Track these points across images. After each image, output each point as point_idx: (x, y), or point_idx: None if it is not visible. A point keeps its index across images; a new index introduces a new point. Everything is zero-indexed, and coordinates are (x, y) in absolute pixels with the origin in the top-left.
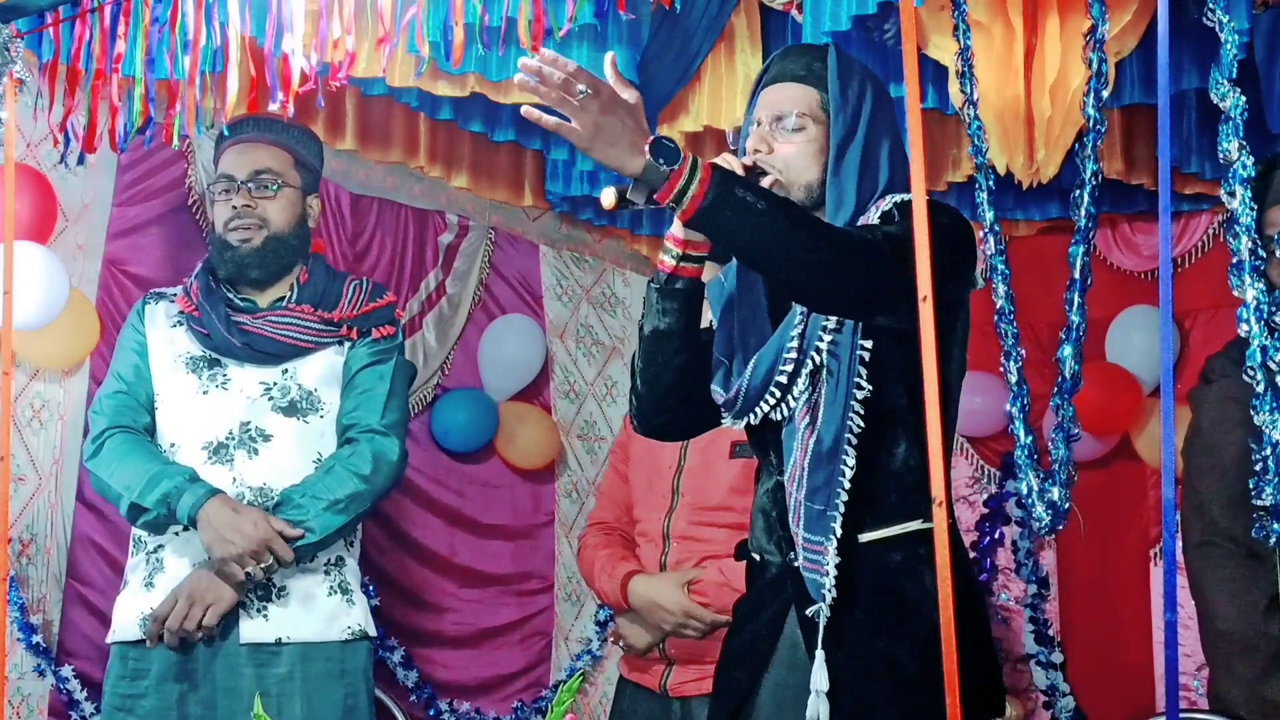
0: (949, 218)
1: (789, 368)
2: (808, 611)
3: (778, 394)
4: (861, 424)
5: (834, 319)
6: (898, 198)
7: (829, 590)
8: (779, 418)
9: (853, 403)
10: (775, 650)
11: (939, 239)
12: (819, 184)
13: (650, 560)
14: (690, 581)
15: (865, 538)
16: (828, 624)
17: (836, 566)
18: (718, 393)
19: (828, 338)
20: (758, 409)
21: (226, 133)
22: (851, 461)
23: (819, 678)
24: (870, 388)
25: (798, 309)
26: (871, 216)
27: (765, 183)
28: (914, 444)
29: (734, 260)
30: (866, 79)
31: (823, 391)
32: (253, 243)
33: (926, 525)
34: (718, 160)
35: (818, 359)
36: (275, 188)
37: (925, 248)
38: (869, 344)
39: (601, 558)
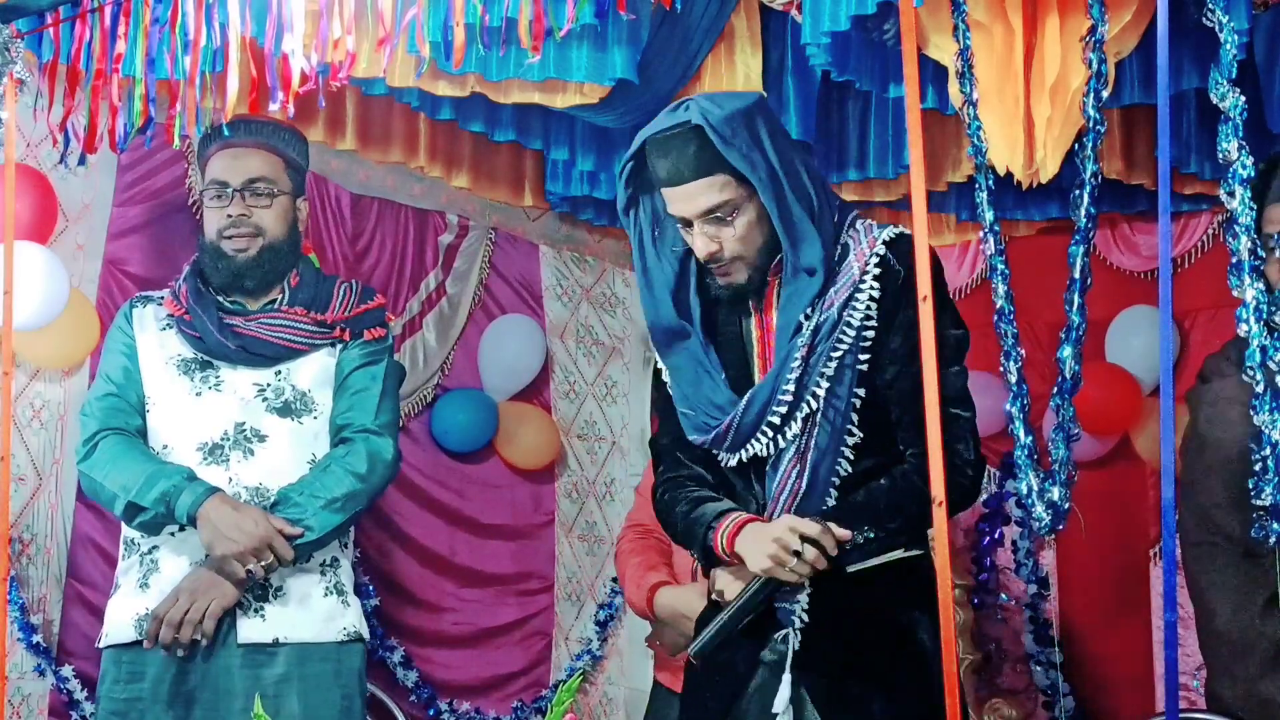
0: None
1: (783, 409)
2: (776, 636)
3: (770, 433)
4: (850, 468)
5: (833, 366)
6: (886, 235)
7: (799, 616)
8: (767, 455)
9: (843, 448)
10: (759, 664)
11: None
12: (772, 238)
13: (683, 566)
14: None
15: (852, 569)
16: (821, 649)
17: (822, 595)
18: (696, 438)
19: (825, 384)
20: (750, 445)
21: (218, 134)
22: (833, 504)
23: (780, 700)
24: (861, 434)
25: (795, 349)
26: (864, 254)
27: (726, 270)
28: (896, 481)
29: (673, 328)
30: (739, 122)
31: (815, 435)
32: (249, 252)
33: (909, 554)
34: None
35: (814, 404)
36: (270, 196)
37: (925, 248)
38: (862, 392)
39: (632, 566)
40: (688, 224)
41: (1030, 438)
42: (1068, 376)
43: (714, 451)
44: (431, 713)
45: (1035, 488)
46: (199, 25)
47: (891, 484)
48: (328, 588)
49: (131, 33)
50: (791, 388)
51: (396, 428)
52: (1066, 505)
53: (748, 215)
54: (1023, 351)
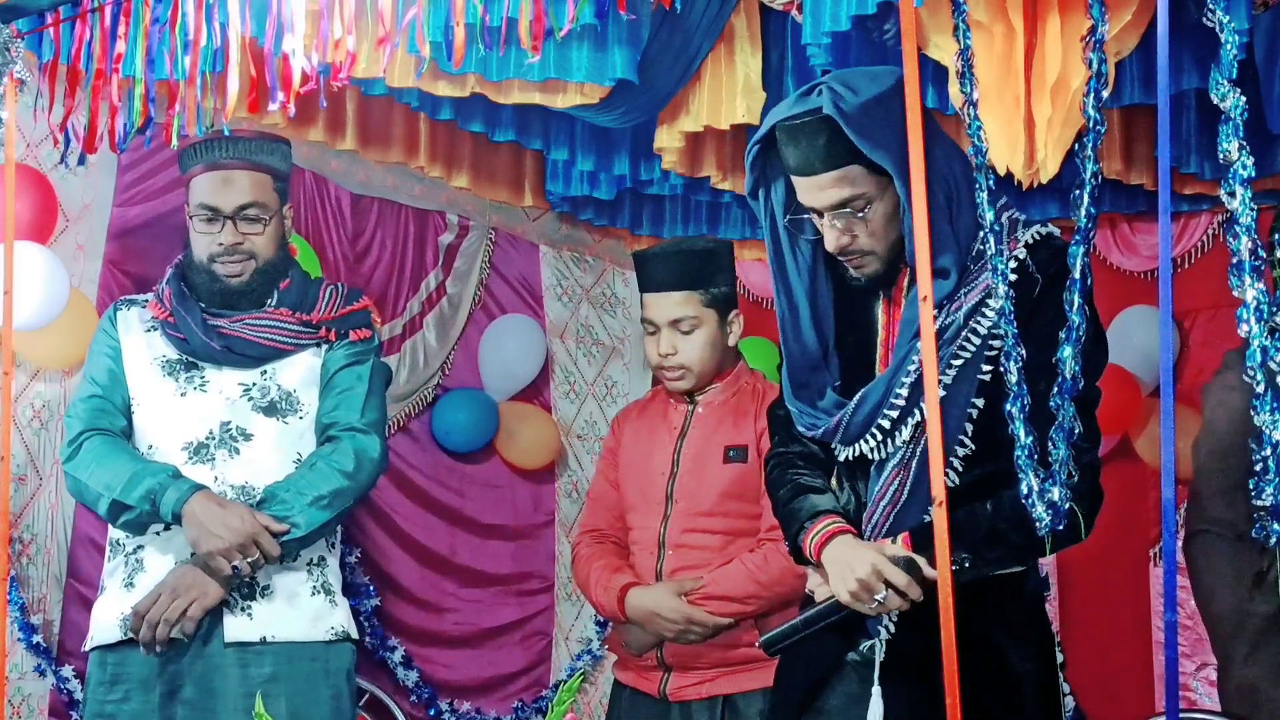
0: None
1: (894, 414)
2: (862, 647)
3: (879, 435)
4: (956, 480)
5: (952, 374)
6: (1029, 238)
7: (885, 627)
8: (876, 457)
9: (953, 459)
10: (842, 670)
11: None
12: (900, 238)
13: (646, 569)
14: (686, 592)
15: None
16: (905, 663)
17: (911, 609)
18: (805, 432)
19: (942, 392)
20: (859, 445)
21: (202, 151)
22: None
23: (874, 712)
24: (974, 446)
25: (915, 351)
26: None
27: (859, 263)
28: (1003, 506)
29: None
30: (875, 109)
31: (924, 442)
32: (242, 277)
33: (1013, 570)
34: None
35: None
36: (263, 221)
37: (925, 247)
38: (981, 403)
39: (596, 569)
40: (818, 214)
41: (1030, 438)
42: (1068, 376)
43: (826, 442)
44: (432, 713)
45: (1035, 488)
46: (199, 25)
47: (996, 508)
48: (315, 586)
49: (131, 33)
50: (905, 392)
51: (383, 426)
52: (1066, 505)
53: (883, 208)
54: (1023, 351)
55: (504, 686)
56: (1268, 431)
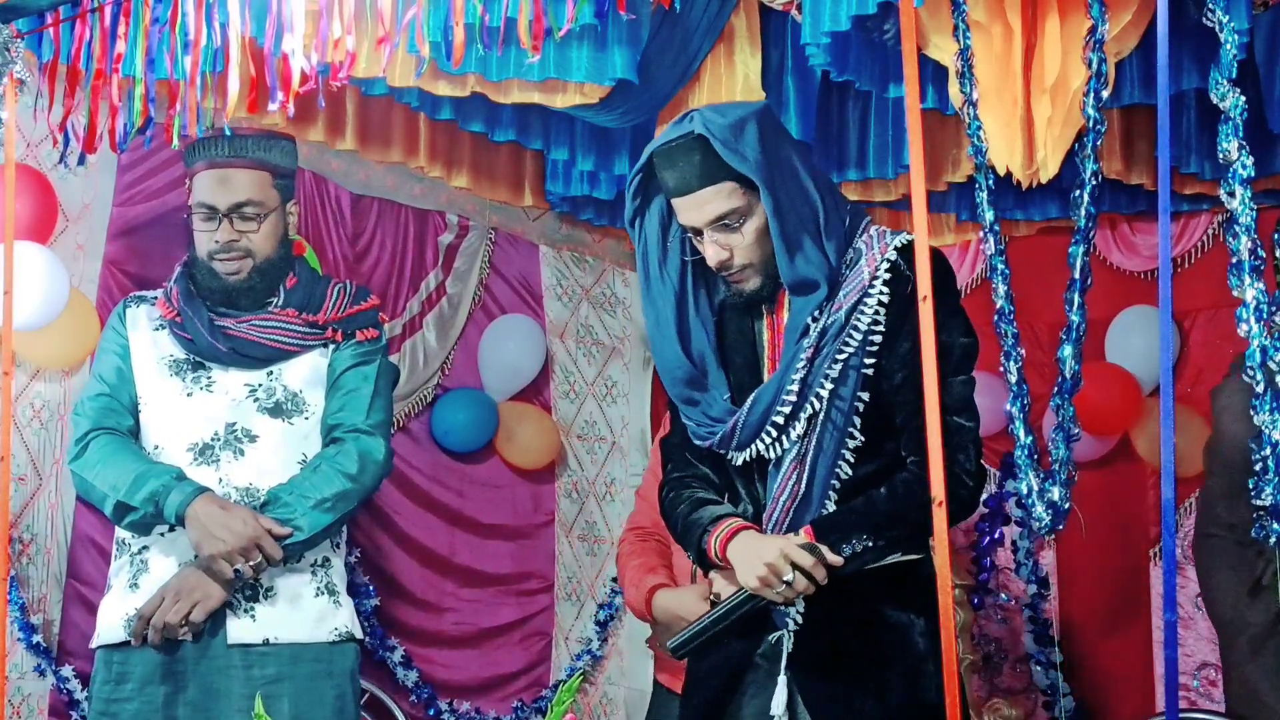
0: (944, 265)
1: (786, 410)
2: (770, 638)
3: (774, 433)
4: (850, 471)
5: (838, 369)
6: (898, 242)
7: (793, 618)
8: (772, 456)
9: (844, 451)
10: (753, 666)
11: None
12: (772, 253)
13: (683, 568)
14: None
15: (848, 570)
16: (814, 650)
17: (817, 598)
18: (700, 442)
19: (830, 386)
20: (754, 445)
21: (203, 148)
22: (832, 507)
23: (778, 702)
24: (863, 438)
25: (801, 350)
26: (875, 260)
27: (739, 278)
28: (896, 489)
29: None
30: (742, 129)
31: (816, 437)
32: (240, 275)
33: (906, 557)
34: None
35: (817, 405)
36: (258, 219)
37: (924, 248)
38: (866, 396)
39: (631, 568)
40: (698, 233)
41: (1030, 438)
42: (1068, 376)
43: (721, 451)
44: (431, 712)
45: (1035, 488)
46: (199, 25)
47: (891, 492)
48: (319, 588)
49: (131, 33)
50: (796, 388)
51: (389, 427)
52: (1066, 505)
53: (757, 222)
54: (1023, 351)
55: (504, 686)
56: (1267, 431)
